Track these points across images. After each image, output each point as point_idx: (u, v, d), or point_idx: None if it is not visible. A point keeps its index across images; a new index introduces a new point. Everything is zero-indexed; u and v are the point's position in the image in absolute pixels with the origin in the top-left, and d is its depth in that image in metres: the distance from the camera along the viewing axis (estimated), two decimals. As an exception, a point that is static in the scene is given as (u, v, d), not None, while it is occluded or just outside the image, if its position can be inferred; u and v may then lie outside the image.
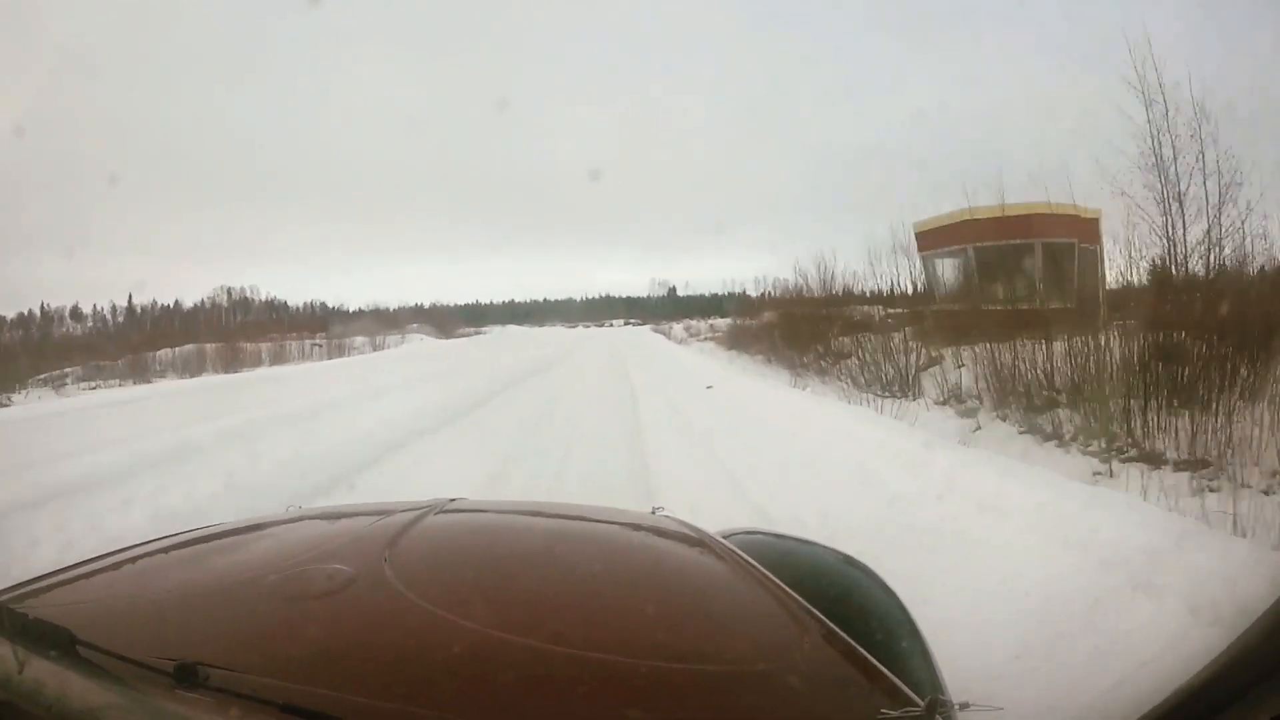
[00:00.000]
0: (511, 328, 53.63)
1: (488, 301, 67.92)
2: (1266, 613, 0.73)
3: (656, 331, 44.79)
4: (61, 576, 1.06)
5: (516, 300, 69.69)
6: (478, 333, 48.34)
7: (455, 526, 1.37)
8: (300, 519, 1.38)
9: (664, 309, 63.22)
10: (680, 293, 67.29)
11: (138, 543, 1.24)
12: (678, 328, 43.15)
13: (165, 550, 1.20)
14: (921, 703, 0.78)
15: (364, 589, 0.97)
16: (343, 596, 0.94)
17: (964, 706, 0.87)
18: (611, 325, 63.65)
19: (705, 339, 31.05)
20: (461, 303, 65.28)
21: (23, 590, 0.99)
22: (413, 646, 0.87)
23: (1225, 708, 0.70)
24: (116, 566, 1.12)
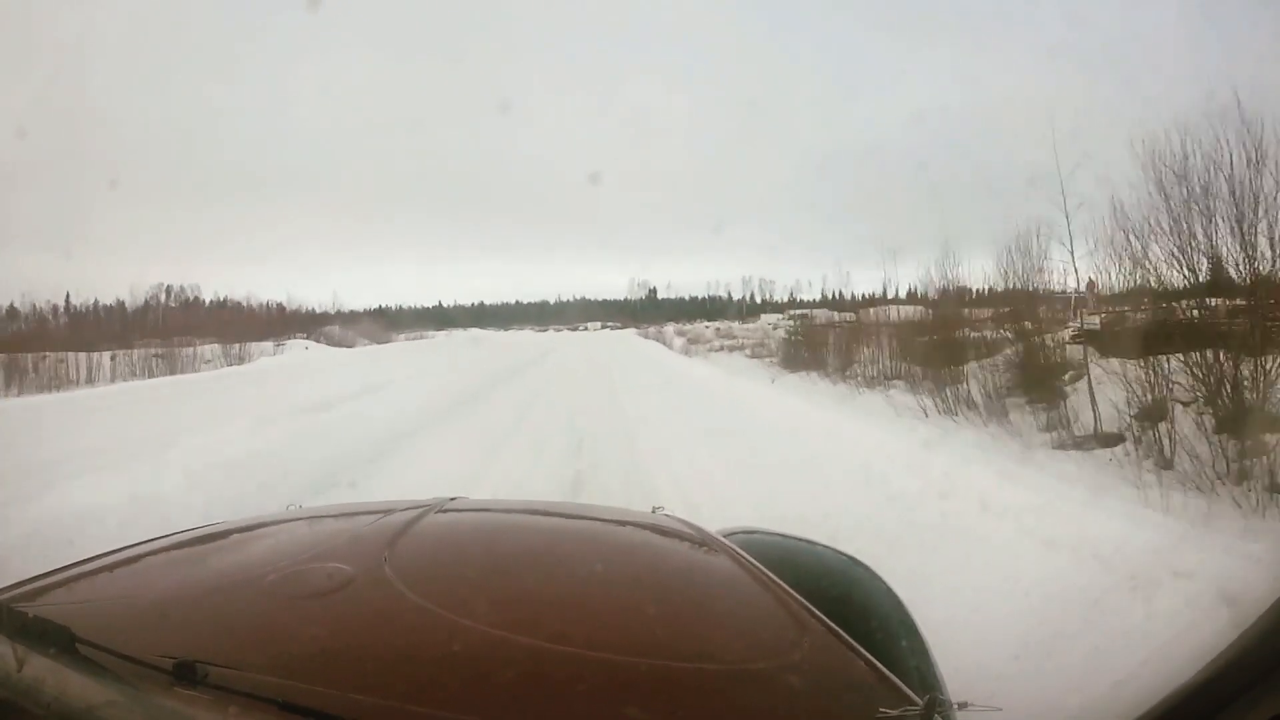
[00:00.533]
0: (475, 331, 48.59)
1: (454, 304, 65.05)
2: (1266, 612, 0.74)
3: (645, 337, 36.79)
4: (61, 575, 1.05)
5: (487, 303, 66.76)
6: (420, 338, 42.09)
7: (455, 525, 1.37)
8: (300, 518, 1.39)
9: (645, 312, 58.77)
10: (661, 295, 63.38)
11: (138, 541, 1.24)
12: (669, 331, 36.47)
13: (165, 549, 1.20)
14: (920, 702, 0.79)
15: (364, 588, 0.97)
16: (342, 595, 0.95)
17: (963, 706, 0.87)
18: (586, 329, 57.05)
19: (721, 349, 23.07)
20: (428, 305, 62.61)
21: (22, 588, 0.99)
22: (413, 645, 0.87)
23: (1225, 707, 0.70)
24: (116, 565, 1.12)
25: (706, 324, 39.69)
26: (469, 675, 0.82)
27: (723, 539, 1.31)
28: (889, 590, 1.35)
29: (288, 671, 0.77)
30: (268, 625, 0.92)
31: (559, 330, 56.33)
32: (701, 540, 1.30)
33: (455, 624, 0.89)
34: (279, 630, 0.90)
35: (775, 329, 27.78)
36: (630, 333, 44.82)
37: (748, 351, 20.09)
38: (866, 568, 1.43)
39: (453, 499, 1.47)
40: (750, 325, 34.64)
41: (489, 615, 0.91)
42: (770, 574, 1.11)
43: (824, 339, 14.63)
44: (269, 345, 25.60)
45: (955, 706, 0.87)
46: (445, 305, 65.27)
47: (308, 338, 31.35)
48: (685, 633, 0.97)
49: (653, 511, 1.57)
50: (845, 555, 1.47)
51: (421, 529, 1.23)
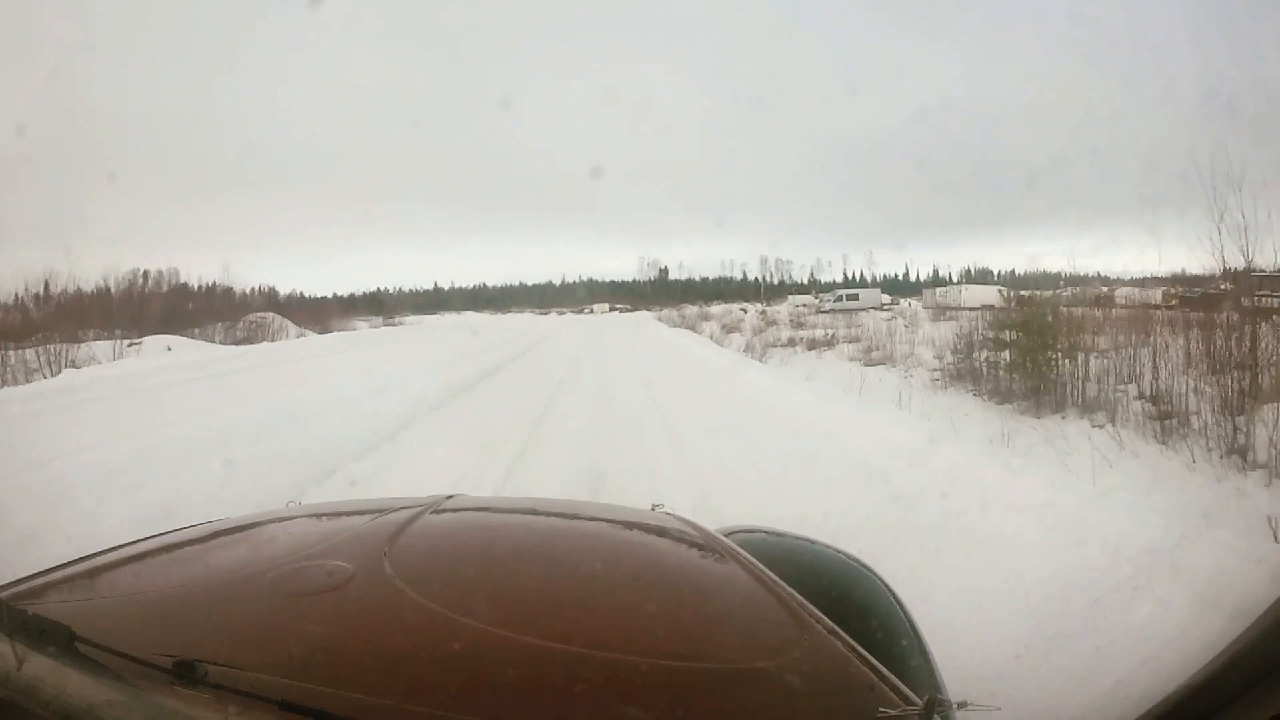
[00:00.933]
0: (468, 315, 44.80)
1: (452, 287, 63.21)
2: (1266, 612, 0.74)
3: (668, 324, 27.71)
4: (61, 573, 1.06)
5: (489, 285, 65.23)
6: (392, 324, 36.35)
7: (455, 523, 1.37)
8: (300, 516, 1.38)
9: (655, 293, 54.96)
10: (672, 276, 59.56)
11: (137, 539, 1.24)
12: (692, 314, 29.26)
13: (165, 547, 1.21)
14: (920, 702, 0.79)
15: (363, 586, 0.97)
16: (342, 593, 0.95)
17: (962, 705, 0.87)
18: (592, 311, 51.70)
19: (790, 344, 14.76)
20: (425, 288, 60.99)
21: (22, 587, 0.99)
22: (412, 643, 0.87)
23: (1225, 706, 0.70)
24: (116, 563, 1.12)
25: (744, 306, 33.15)
26: (469, 674, 0.82)
27: (723, 538, 1.31)
28: (889, 589, 1.35)
29: (287, 670, 0.77)
30: (267, 623, 0.92)
31: (562, 314, 51.82)
32: (702, 539, 1.29)
33: (455, 622, 0.89)
34: (279, 628, 0.91)
35: (816, 311, 23.51)
36: (645, 316, 36.99)
37: (845, 350, 12.54)
38: (866, 567, 1.42)
39: (450, 497, 1.48)
40: (777, 307, 31.13)
41: (489, 613, 0.91)
42: (770, 573, 1.11)
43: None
44: (108, 346, 16.98)
45: (955, 706, 0.87)
46: (443, 288, 63.00)
47: (193, 333, 24.04)
48: (685, 632, 0.97)
49: (652, 509, 1.57)
50: (845, 554, 1.47)
51: (421, 527, 1.23)
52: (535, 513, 1.52)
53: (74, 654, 0.74)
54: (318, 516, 1.39)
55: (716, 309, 32.33)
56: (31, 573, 1.04)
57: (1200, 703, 0.72)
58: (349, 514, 1.35)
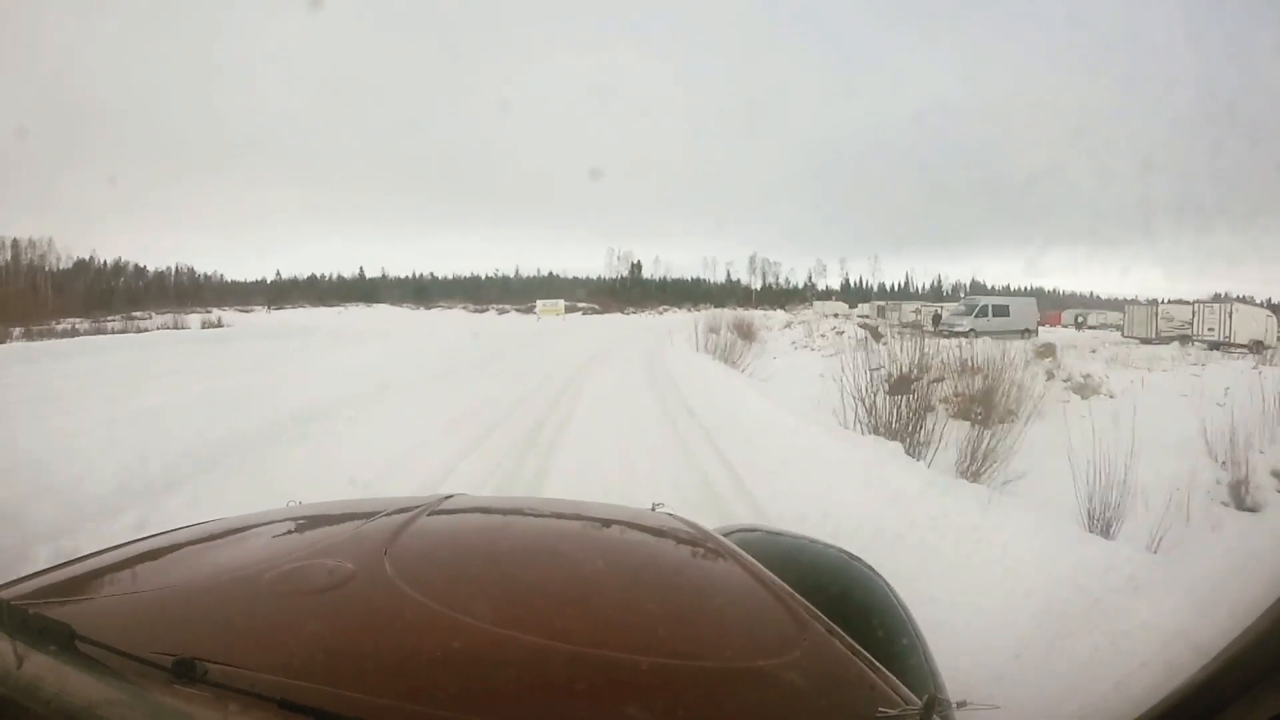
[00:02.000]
0: (355, 310, 34.93)
1: (383, 275, 60.28)
2: (1266, 612, 0.74)
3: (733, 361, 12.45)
4: (61, 572, 1.06)
5: (438, 275, 61.74)
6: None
7: (455, 523, 1.38)
8: (300, 515, 1.38)
9: (627, 293, 48.70)
10: (646, 273, 53.20)
11: (138, 538, 1.25)
12: (725, 321, 16.56)
13: (165, 546, 1.21)
14: (919, 701, 0.79)
15: (364, 585, 0.97)
16: (342, 592, 0.95)
17: (961, 705, 0.87)
18: (536, 315, 35.85)
19: None
20: (337, 276, 58.27)
21: (22, 585, 0.99)
22: (412, 642, 0.87)
23: (1224, 707, 0.70)
24: (116, 562, 1.12)
25: (835, 312, 23.20)
26: (468, 673, 0.82)
27: (722, 537, 1.31)
28: (888, 589, 1.35)
29: (287, 669, 0.77)
30: (267, 622, 0.92)
31: (504, 312, 38.87)
32: (701, 538, 1.29)
33: (455, 621, 0.90)
34: (279, 627, 0.91)
35: (936, 332, 14.05)
36: (640, 331, 22.21)
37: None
38: (866, 566, 1.42)
39: (449, 497, 1.48)
40: (806, 314, 25.06)
41: (489, 612, 0.92)
42: (770, 573, 1.11)
43: None
44: None
45: (954, 705, 0.87)
46: (374, 276, 58.90)
47: None
48: (685, 631, 0.97)
49: (652, 509, 1.57)
50: (844, 554, 1.47)
51: (421, 526, 1.23)
52: (535, 513, 1.52)
53: (74, 652, 0.74)
54: (318, 516, 1.39)
55: (757, 314, 22.09)
56: (32, 571, 1.05)
57: (1200, 703, 0.72)
58: (349, 514, 1.35)
